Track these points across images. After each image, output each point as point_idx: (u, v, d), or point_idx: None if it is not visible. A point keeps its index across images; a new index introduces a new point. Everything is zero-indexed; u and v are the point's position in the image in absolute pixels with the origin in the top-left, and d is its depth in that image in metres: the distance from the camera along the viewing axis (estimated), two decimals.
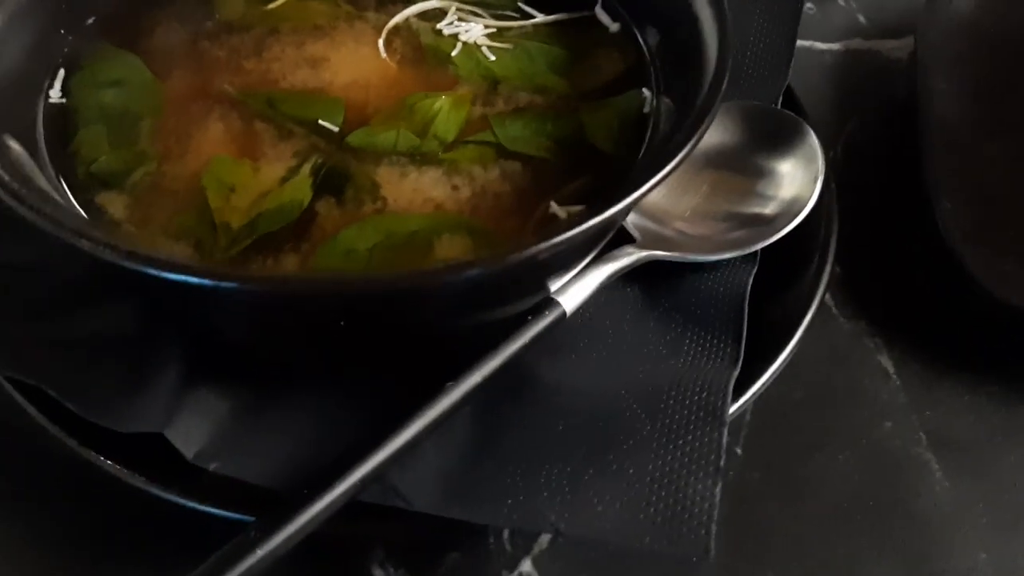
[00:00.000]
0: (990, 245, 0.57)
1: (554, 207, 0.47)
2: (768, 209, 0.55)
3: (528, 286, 0.45)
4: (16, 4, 0.49)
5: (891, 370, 0.56)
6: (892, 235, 0.62)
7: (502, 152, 0.49)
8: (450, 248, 0.45)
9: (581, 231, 0.38)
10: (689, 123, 0.43)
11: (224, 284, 0.36)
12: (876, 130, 0.70)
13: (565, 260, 0.45)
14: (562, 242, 0.38)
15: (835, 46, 0.78)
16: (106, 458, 0.44)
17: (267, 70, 0.53)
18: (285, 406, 0.46)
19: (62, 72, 0.51)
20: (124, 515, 0.45)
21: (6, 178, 0.40)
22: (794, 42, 0.65)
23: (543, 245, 0.38)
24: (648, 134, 0.50)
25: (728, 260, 0.53)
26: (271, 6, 0.56)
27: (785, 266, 0.54)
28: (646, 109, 0.51)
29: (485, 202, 0.47)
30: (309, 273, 0.39)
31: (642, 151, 0.49)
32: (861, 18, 0.80)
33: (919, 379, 0.55)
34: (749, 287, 0.52)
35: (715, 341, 0.50)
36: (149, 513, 0.44)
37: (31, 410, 0.45)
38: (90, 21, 0.54)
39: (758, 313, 0.51)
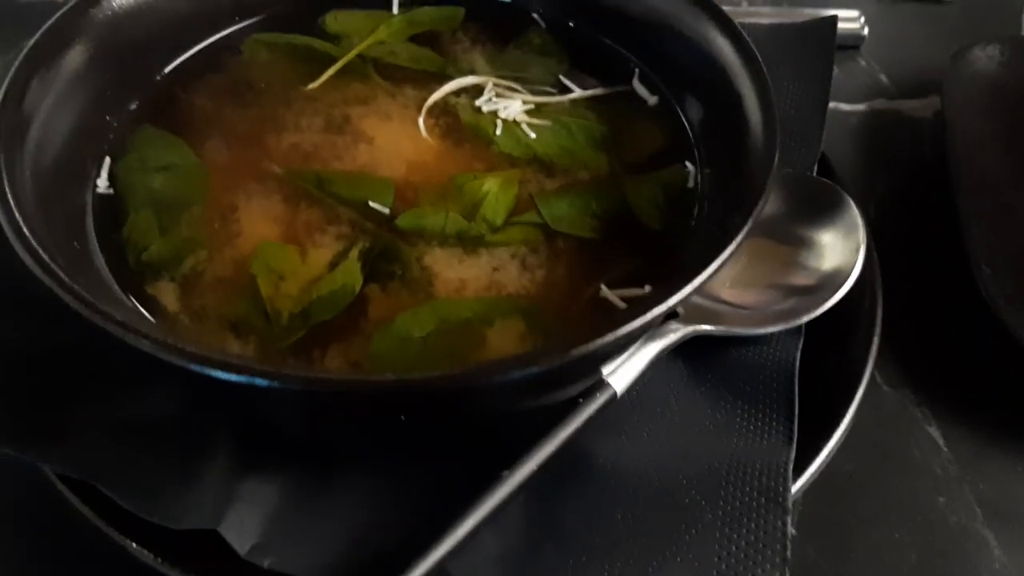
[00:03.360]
0: None
1: (604, 290, 0.46)
2: (811, 280, 0.54)
3: (582, 372, 0.44)
4: (59, 93, 0.48)
5: (940, 441, 0.55)
6: (932, 299, 0.61)
7: (549, 232, 0.49)
8: (504, 333, 0.44)
9: (642, 324, 0.38)
10: (743, 207, 0.42)
11: (286, 385, 0.35)
12: (907, 191, 0.70)
13: (621, 348, 0.44)
14: (622, 336, 0.37)
15: (860, 107, 0.78)
16: (157, 556, 0.42)
17: (310, 150, 0.53)
18: (338, 492, 0.45)
19: (108, 160, 0.51)
20: None
21: (62, 276, 0.39)
22: (826, 108, 0.65)
23: (606, 339, 0.37)
24: (695, 210, 0.49)
25: (774, 334, 0.52)
26: (311, 87, 0.56)
27: (829, 338, 0.53)
28: (691, 184, 0.51)
29: (535, 284, 0.47)
30: (369, 372, 0.38)
31: (691, 229, 0.48)
32: (883, 78, 0.80)
33: (969, 448, 0.54)
34: (798, 362, 0.51)
35: (766, 419, 0.49)
36: None
37: (74, 500, 0.44)
38: (133, 106, 0.54)
39: (805, 386, 0.50)
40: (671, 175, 0.51)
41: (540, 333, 0.44)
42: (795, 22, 0.70)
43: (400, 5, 0.61)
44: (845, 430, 0.48)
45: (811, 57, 0.67)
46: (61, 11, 0.49)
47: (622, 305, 0.45)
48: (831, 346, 0.53)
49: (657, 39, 0.56)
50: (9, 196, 0.40)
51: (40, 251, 0.38)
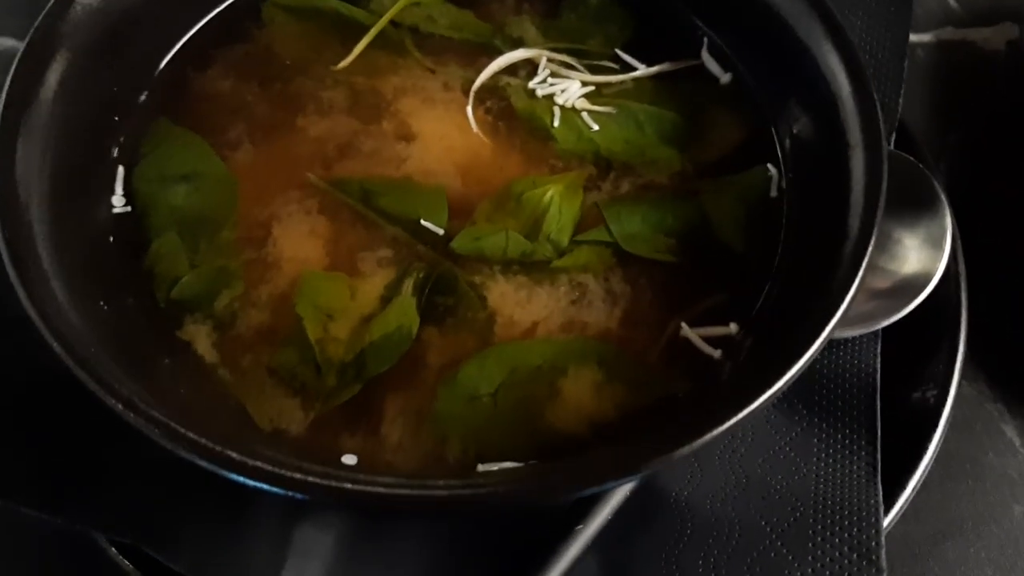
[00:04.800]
0: None
1: (686, 329, 0.41)
2: (887, 283, 0.49)
3: None
4: (57, 109, 0.41)
5: (1017, 442, 0.51)
6: (1010, 281, 0.56)
7: (620, 254, 0.43)
8: (579, 383, 0.40)
9: (747, 415, 0.33)
10: (843, 263, 0.37)
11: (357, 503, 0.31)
12: (982, 143, 0.63)
13: None
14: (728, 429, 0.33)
15: (927, 37, 0.70)
16: None
17: (347, 148, 0.46)
18: (399, 541, 0.42)
19: (121, 170, 0.44)
20: None
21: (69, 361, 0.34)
22: (904, 60, 0.58)
23: (713, 435, 0.33)
24: (781, 233, 0.44)
25: (850, 338, 0.48)
26: (341, 65, 0.49)
27: (904, 343, 0.48)
28: (773, 192, 0.45)
29: (608, 319, 0.42)
30: (447, 485, 0.33)
31: (778, 256, 0.43)
32: (951, 0, 0.72)
33: None
34: (878, 375, 0.47)
35: (847, 442, 0.45)
36: None
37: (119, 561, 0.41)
38: (143, 97, 0.47)
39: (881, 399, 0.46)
40: (752, 180, 0.45)
41: (620, 383, 0.40)
42: None
43: None
44: (930, 461, 0.45)
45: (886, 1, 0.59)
46: (40, 17, 0.41)
47: (707, 349, 0.41)
48: (907, 353, 0.48)
49: (726, 3, 0.48)
50: (36, 293, 0.35)
51: (78, 351, 0.33)
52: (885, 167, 0.39)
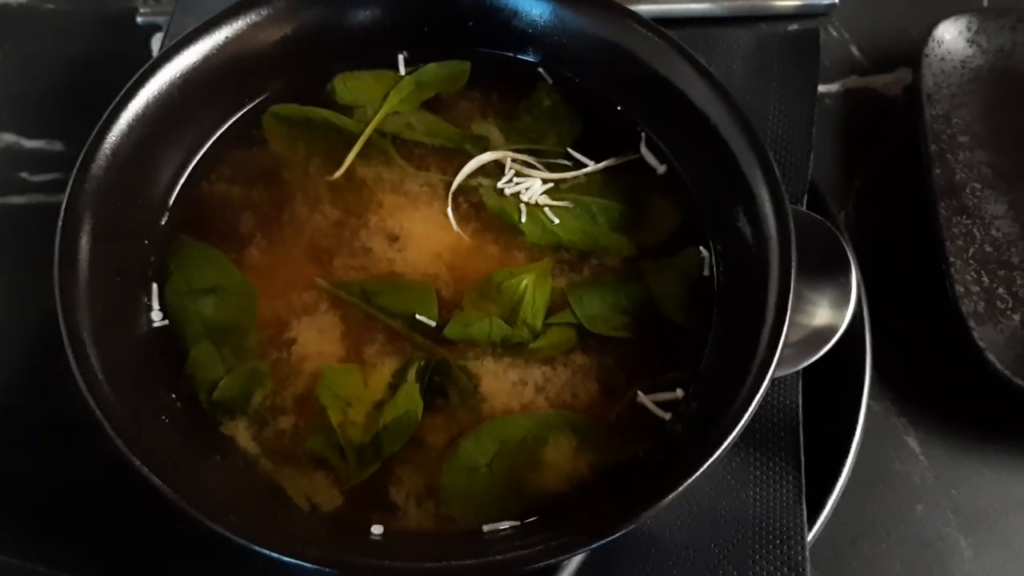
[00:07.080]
0: (1004, 325, 0.60)
1: (641, 397, 0.49)
2: (797, 336, 0.55)
3: None
4: (98, 261, 0.47)
5: (917, 450, 0.60)
6: (909, 309, 0.65)
7: (583, 334, 0.51)
8: (558, 450, 0.48)
9: (698, 476, 0.41)
10: (760, 348, 0.45)
11: None
12: (884, 184, 0.71)
13: None
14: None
15: (834, 87, 0.78)
16: None
17: (347, 251, 0.53)
18: None
19: (155, 288, 0.51)
20: None
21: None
22: (812, 126, 0.65)
23: (671, 496, 0.41)
24: (714, 308, 0.51)
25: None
26: (336, 176, 0.55)
27: (818, 375, 0.56)
28: (706, 272, 0.53)
29: (578, 391, 0.50)
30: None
31: (712, 327, 0.51)
32: (854, 49, 0.80)
33: (943, 455, 0.60)
34: (800, 409, 0.55)
35: (777, 468, 0.53)
36: None
37: None
38: (164, 219, 0.53)
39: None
40: (686, 261, 0.53)
41: (591, 448, 0.48)
42: (779, 33, 0.69)
43: (406, 63, 0.59)
44: (847, 476, 0.53)
45: (795, 72, 0.67)
46: (74, 172, 0.47)
47: (659, 412, 0.49)
48: (821, 383, 0.56)
49: (659, 103, 0.55)
50: (111, 415, 0.42)
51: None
52: (794, 265, 0.47)
